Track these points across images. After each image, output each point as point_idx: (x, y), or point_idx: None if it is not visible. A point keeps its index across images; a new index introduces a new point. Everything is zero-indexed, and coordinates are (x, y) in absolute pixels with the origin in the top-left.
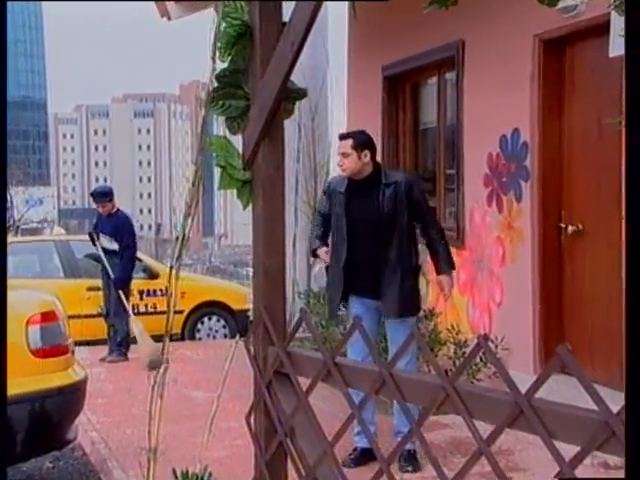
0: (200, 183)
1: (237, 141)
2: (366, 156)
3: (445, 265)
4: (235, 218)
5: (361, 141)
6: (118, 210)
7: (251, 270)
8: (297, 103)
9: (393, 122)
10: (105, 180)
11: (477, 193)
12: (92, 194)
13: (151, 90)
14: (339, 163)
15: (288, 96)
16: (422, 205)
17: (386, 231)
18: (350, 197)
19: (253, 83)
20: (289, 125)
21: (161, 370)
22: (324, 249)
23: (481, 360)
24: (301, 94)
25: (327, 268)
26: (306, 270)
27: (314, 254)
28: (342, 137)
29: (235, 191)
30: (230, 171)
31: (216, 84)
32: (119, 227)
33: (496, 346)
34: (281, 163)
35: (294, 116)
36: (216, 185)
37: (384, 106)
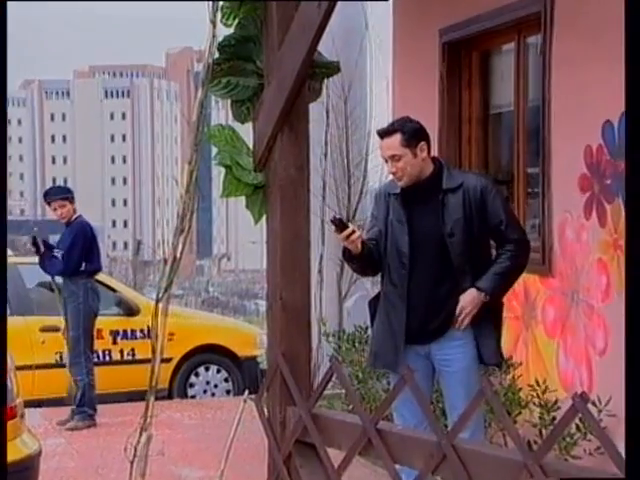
0: (196, 188)
1: (246, 133)
2: (423, 150)
3: (486, 282)
4: (241, 235)
5: (412, 132)
6: (79, 217)
7: (263, 304)
8: (326, 81)
9: (455, 105)
10: (65, 182)
11: (570, 200)
12: (45, 194)
13: (127, 61)
14: (392, 171)
15: (314, 72)
16: (501, 214)
17: (453, 255)
18: (408, 206)
19: (268, 55)
20: (314, 110)
21: (142, 439)
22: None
23: (578, 429)
24: (332, 69)
25: (370, 303)
26: (337, 304)
27: (344, 253)
28: (384, 133)
29: (243, 199)
30: (237, 173)
31: (218, 55)
32: (77, 235)
33: (599, 411)
34: (305, 162)
35: (321, 98)
36: (218, 191)
37: (442, 83)
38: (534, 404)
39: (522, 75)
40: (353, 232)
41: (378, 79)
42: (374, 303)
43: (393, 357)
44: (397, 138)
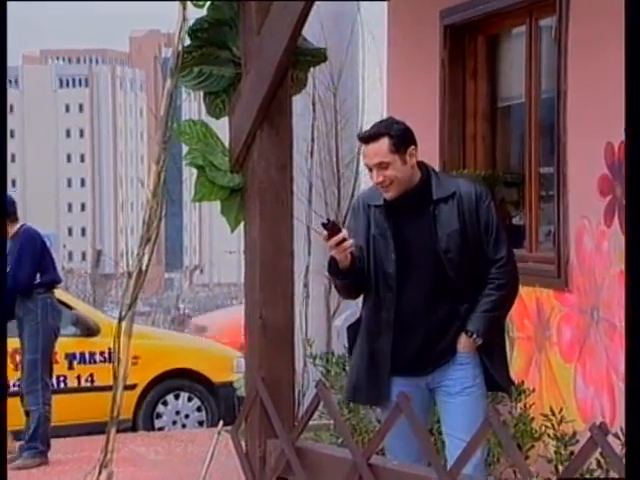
0: (164, 191)
1: (221, 129)
2: (412, 155)
3: (476, 324)
4: (216, 244)
5: (401, 135)
6: (24, 226)
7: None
8: (312, 70)
9: (458, 97)
10: (13, 184)
11: (589, 204)
12: None
13: (85, 45)
14: (378, 181)
15: (299, 60)
16: (492, 228)
17: (450, 273)
18: (393, 219)
19: (245, 40)
20: (298, 103)
21: (101, 477)
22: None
23: (599, 465)
24: (318, 57)
25: (350, 329)
26: (324, 322)
27: (330, 265)
28: (368, 138)
29: (218, 204)
30: (211, 174)
31: (189, 41)
32: (24, 246)
33: (623, 445)
34: (288, 161)
35: (306, 90)
36: (189, 195)
37: (444, 72)
38: (549, 436)
39: (534, 63)
40: (345, 239)
41: (371, 68)
42: (354, 329)
43: (376, 390)
44: (384, 143)
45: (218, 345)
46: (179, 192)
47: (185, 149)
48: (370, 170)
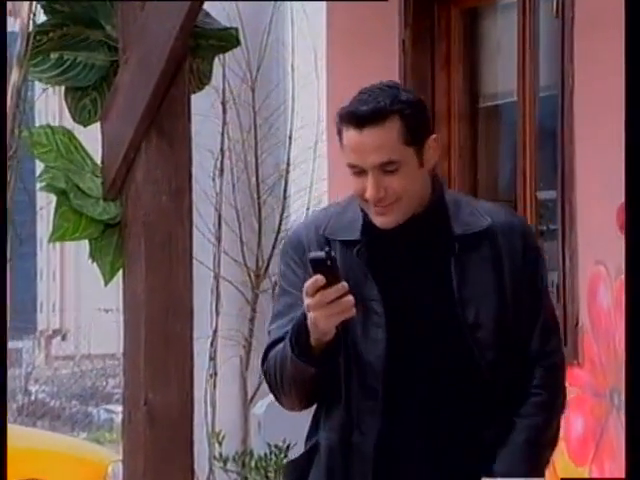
0: (9, 225)
1: (93, 138)
2: (433, 150)
3: (510, 462)
4: (85, 299)
5: (418, 113)
6: None
7: (119, 411)
8: (220, 58)
9: (425, 93)
10: None
11: (605, 244)
12: None
13: None
14: (376, 196)
15: (200, 45)
16: (539, 298)
17: (474, 367)
18: (380, 267)
19: (124, 17)
20: (201, 103)
21: None
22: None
23: None
24: (228, 40)
25: (295, 466)
26: (240, 410)
27: (298, 336)
28: (367, 116)
29: (87, 244)
30: (77, 202)
31: (45, 18)
32: None
33: None
34: (186, 184)
35: (212, 84)
36: (46, 231)
37: (405, 59)
38: None
39: (529, 47)
40: (345, 292)
41: (304, 53)
42: (300, 468)
43: None
44: (394, 127)
45: (87, 444)
46: (31, 226)
47: (40, 167)
48: (358, 174)
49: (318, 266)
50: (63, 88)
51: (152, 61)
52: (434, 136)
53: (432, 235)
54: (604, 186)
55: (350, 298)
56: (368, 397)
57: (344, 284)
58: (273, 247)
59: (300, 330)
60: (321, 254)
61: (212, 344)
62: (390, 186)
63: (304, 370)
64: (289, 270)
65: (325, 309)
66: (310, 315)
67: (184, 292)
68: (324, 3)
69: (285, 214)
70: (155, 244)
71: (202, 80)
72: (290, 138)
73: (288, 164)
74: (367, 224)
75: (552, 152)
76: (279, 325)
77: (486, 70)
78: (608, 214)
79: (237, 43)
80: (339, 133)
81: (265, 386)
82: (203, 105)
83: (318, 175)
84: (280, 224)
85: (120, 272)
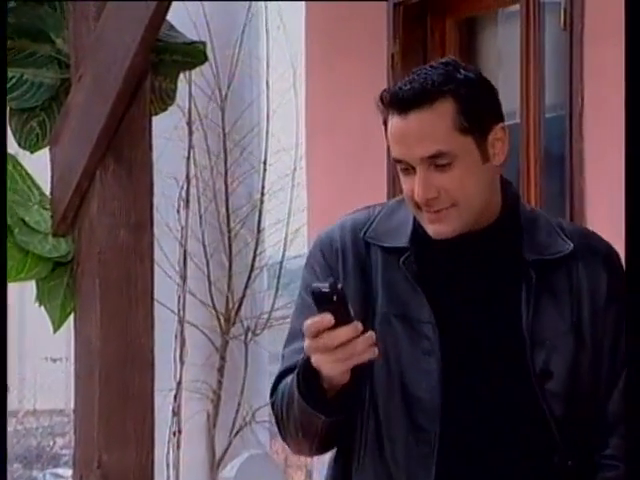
0: None
1: (41, 166)
2: (501, 142)
3: None
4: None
5: (480, 94)
6: None
7: (69, 476)
8: (187, 76)
9: None
10: None
11: None
12: None
13: None
14: (426, 196)
15: (163, 61)
16: (618, 348)
17: (550, 416)
18: (436, 285)
19: (76, 30)
20: (165, 124)
21: None
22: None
23: None
24: (195, 56)
25: None
26: (205, 474)
27: (307, 382)
28: (411, 98)
29: (34, 285)
30: (22, 238)
31: None
32: None
33: None
34: (147, 217)
35: (177, 104)
36: None
37: (395, 74)
38: None
39: (533, 63)
40: (359, 332)
41: (281, 69)
42: None
43: None
44: (445, 112)
45: None
46: None
47: None
48: (406, 172)
49: (322, 302)
50: (8, 109)
51: (109, 79)
52: (501, 125)
53: (501, 255)
54: (616, 218)
55: (366, 339)
56: (419, 442)
57: (357, 325)
58: (245, 287)
59: (307, 367)
60: (325, 286)
61: (175, 398)
62: (443, 185)
63: (313, 417)
64: (314, 277)
65: (330, 354)
66: (312, 358)
67: (144, 339)
68: (303, 11)
69: (259, 250)
70: (111, 284)
71: (165, 100)
72: (265, 164)
73: (262, 193)
74: (418, 230)
75: (559, 181)
76: (294, 349)
77: None
78: (619, 249)
79: (205, 59)
80: (385, 123)
81: (236, 442)
82: (166, 127)
83: (296, 205)
84: (254, 261)
85: (71, 317)
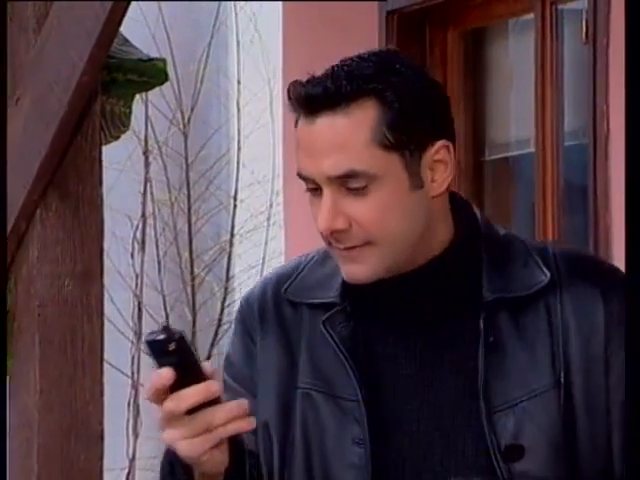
0: None
1: None
2: (443, 165)
3: None
4: None
5: (414, 95)
6: None
7: None
8: (142, 98)
9: None
10: None
11: None
12: None
13: None
14: (333, 227)
15: (116, 81)
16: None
17: None
18: (369, 340)
19: (14, 45)
20: (117, 154)
21: None
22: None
23: None
24: (154, 75)
25: None
26: None
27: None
28: (320, 99)
29: None
30: None
31: None
32: None
33: None
34: (96, 264)
35: (132, 130)
36: None
37: None
38: None
39: (550, 80)
40: (218, 398)
41: (253, 89)
42: None
43: None
44: (364, 118)
45: None
46: None
47: None
48: (314, 193)
49: (159, 353)
50: None
51: (51, 102)
52: (443, 142)
53: (451, 299)
54: None
55: (231, 406)
56: None
57: (211, 385)
58: (212, 345)
59: (172, 460)
60: (159, 332)
61: (128, 477)
62: (355, 215)
63: None
64: (235, 348)
65: (181, 426)
66: (164, 434)
67: (91, 407)
68: (280, 17)
69: (228, 301)
70: (53, 344)
71: (118, 126)
72: (235, 199)
73: (232, 234)
74: (341, 286)
75: (582, 216)
76: None
77: (494, 111)
78: None
79: (165, 78)
80: (296, 124)
81: None
82: (119, 157)
83: (272, 248)
84: (221, 314)
85: (7, 380)
